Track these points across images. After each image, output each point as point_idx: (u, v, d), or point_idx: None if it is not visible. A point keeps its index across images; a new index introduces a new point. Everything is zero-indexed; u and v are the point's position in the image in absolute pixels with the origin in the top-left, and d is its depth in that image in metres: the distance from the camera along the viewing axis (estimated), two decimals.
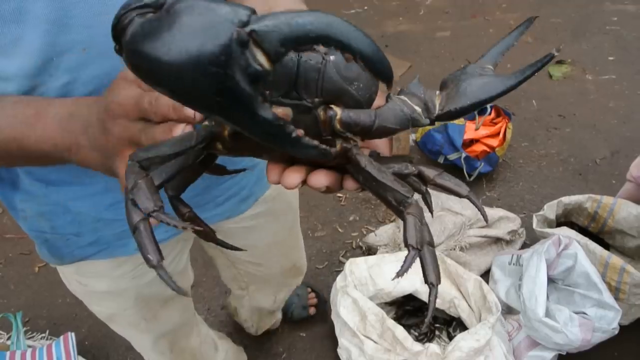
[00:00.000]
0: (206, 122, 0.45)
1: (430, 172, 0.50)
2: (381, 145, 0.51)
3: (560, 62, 3.12)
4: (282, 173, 0.47)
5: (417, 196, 0.49)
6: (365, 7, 3.78)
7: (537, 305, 1.53)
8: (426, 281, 0.47)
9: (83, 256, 0.89)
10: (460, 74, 0.49)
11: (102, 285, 0.95)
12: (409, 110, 0.46)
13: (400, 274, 0.46)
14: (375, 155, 0.50)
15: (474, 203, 0.51)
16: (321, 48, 0.42)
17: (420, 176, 0.50)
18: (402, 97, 0.47)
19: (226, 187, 0.93)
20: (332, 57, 0.42)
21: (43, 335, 1.89)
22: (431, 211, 0.56)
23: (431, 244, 0.47)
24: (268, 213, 1.10)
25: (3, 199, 0.85)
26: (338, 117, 0.43)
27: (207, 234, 0.56)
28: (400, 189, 0.45)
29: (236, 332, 1.89)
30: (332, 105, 0.44)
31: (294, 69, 0.41)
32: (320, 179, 0.46)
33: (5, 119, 0.58)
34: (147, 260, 0.42)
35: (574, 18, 3.53)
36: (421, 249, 0.46)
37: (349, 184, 0.48)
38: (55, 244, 0.87)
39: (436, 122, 0.48)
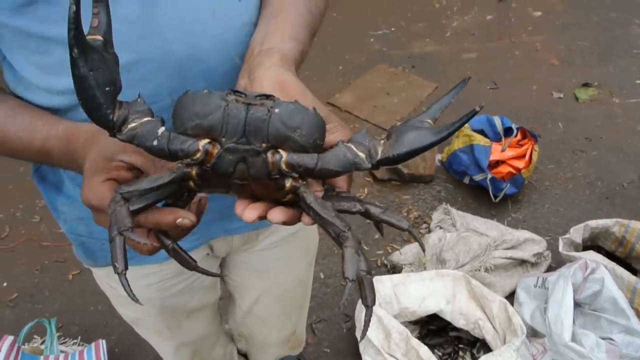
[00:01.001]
0: (179, 164, 0.53)
1: (375, 210, 0.56)
2: (339, 181, 0.57)
3: (586, 85, 3.12)
4: (246, 208, 0.54)
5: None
6: (393, 29, 3.83)
7: (563, 329, 1.54)
8: (364, 303, 0.54)
9: None
10: (402, 126, 0.56)
11: None
12: (351, 156, 0.54)
13: (362, 335, 0.57)
14: (331, 191, 0.57)
15: (414, 237, 0.57)
16: (268, 102, 0.51)
17: (367, 213, 0.56)
18: (349, 144, 0.54)
19: None
20: (276, 110, 0.50)
21: (75, 341, 1.94)
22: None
23: (369, 273, 0.54)
24: (282, 253, 1.12)
25: (47, 200, 0.91)
26: (283, 159, 0.51)
27: (188, 263, 0.61)
28: (338, 224, 0.52)
29: None
30: (279, 149, 0.52)
31: (242, 120, 0.50)
32: (278, 214, 0.53)
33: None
34: (114, 267, 0.54)
35: (601, 41, 3.53)
36: (357, 279, 0.52)
37: (306, 219, 0.54)
38: (91, 247, 0.92)
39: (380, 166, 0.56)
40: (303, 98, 0.57)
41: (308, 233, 1.17)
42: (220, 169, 0.52)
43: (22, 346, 1.76)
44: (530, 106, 2.99)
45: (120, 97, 0.65)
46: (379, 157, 0.54)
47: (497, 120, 2.44)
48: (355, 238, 0.53)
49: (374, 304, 0.54)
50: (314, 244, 1.24)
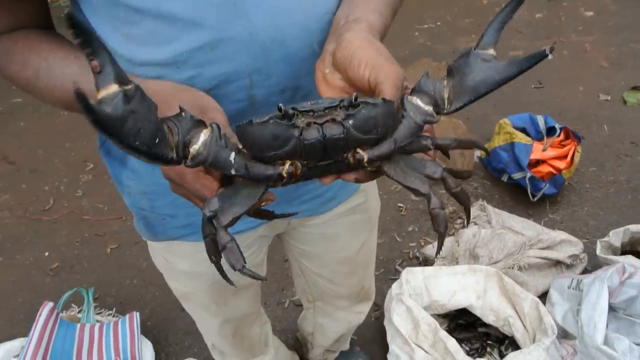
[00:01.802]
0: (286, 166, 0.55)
1: (451, 184, 0.60)
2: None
3: (635, 89, 3.03)
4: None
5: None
6: (438, 23, 3.80)
7: (595, 332, 1.51)
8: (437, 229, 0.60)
9: (174, 236, 0.96)
10: (464, 64, 0.56)
11: (185, 265, 1.02)
12: (421, 117, 0.56)
13: (437, 252, 0.64)
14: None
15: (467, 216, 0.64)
16: (338, 113, 0.52)
17: (444, 182, 0.60)
18: (414, 98, 0.57)
19: (313, 187, 0.97)
20: (350, 122, 0.52)
21: (110, 312, 2.01)
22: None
23: (442, 208, 0.59)
24: (347, 223, 1.13)
25: (112, 173, 0.93)
26: (365, 159, 0.54)
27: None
28: (421, 189, 0.57)
29: (290, 329, 1.95)
30: (359, 150, 0.54)
31: (321, 146, 0.52)
32: (353, 177, 0.58)
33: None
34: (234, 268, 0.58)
35: None
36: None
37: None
38: (152, 221, 0.94)
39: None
40: (392, 59, 0.60)
41: (370, 205, 1.17)
42: (305, 178, 0.56)
43: (61, 313, 1.83)
44: (575, 107, 2.93)
45: (203, 74, 0.68)
46: (447, 108, 0.56)
47: (540, 119, 2.39)
48: (438, 197, 0.57)
49: (445, 230, 0.60)
50: (376, 213, 1.24)
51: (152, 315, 2.05)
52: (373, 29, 0.65)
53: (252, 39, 0.67)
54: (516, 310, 1.69)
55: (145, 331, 1.93)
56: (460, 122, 2.60)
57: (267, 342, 1.52)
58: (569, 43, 3.52)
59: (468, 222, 0.68)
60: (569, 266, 1.98)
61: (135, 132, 0.46)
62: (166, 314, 2.05)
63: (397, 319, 1.67)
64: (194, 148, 0.52)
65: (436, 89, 0.56)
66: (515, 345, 1.71)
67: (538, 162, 2.30)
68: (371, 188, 1.16)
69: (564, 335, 1.75)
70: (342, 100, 0.52)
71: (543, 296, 1.89)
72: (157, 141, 0.48)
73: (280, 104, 0.51)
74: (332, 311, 1.48)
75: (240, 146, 0.56)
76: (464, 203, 0.64)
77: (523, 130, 2.39)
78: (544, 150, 2.30)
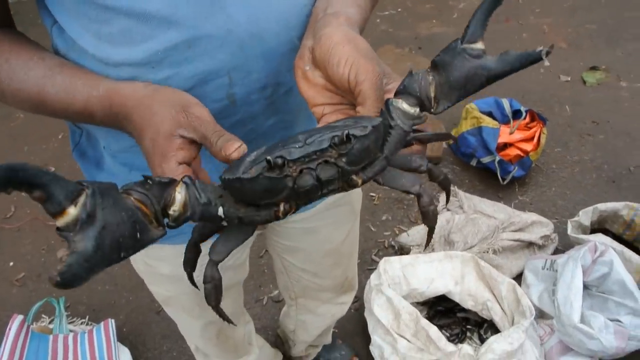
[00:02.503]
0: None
1: (438, 172, 0.63)
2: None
3: (594, 69, 3.10)
4: None
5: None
6: (399, 9, 3.79)
7: (572, 311, 1.54)
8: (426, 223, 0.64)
9: None
10: (450, 60, 0.53)
11: (166, 269, 1.00)
12: (409, 123, 0.55)
13: (426, 244, 0.69)
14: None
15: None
16: (332, 154, 0.49)
17: (430, 174, 0.63)
18: (400, 102, 0.55)
19: None
20: (344, 159, 0.50)
21: (83, 320, 1.95)
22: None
23: (433, 203, 0.62)
24: (330, 216, 1.12)
25: (87, 176, 0.90)
26: (360, 183, 0.53)
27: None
28: (411, 190, 0.58)
29: (270, 326, 1.94)
30: (353, 176, 0.53)
31: (316, 186, 0.50)
32: None
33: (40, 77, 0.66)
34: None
35: (609, 24, 3.50)
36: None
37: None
38: None
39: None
40: (371, 55, 0.58)
41: (353, 197, 1.16)
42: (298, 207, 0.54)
43: (32, 325, 1.77)
44: (538, 89, 2.98)
45: (180, 74, 0.65)
46: (434, 108, 0.55)
47: (506, 103, 2.42)
48: (428, 194, 0.58)
49: (435, 224, 0.62)
50: (359, 203, 1.23)
51: (127, 320, 2.00)
52: (352, 23, 0.63)
53: (231, 36, 0.65)
54: (494, 294, 1.72)
55: (122, 338, 1.89)
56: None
57: (250, 341, 1.50)
58: (527, 25, 3.57)
59: (447, 202, 0.72)
60: (541, 247, 2.03)
61: (117, 245, 0.43)
62: (142, 318, 2.00)
63: (378, 310, 1.67)
64: (173, 210, 0.49)
65: (422, 89, 0.54)
66: (494, 329, 1.74)
67: (506, 146, 2.33)
68: None
69: (540, 315, 1.79)
70: (332, 138, 0.49)
71: (517, 278, 1.93)
72: (139, 235, 0.45)
73: (269, 157, 0.47)
74: (314, 307, 1.47)
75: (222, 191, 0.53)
76: (447, 189, 0.66)
77: (489, 114, 2.42)
78: (511, 133, 2.33)
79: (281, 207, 0.51)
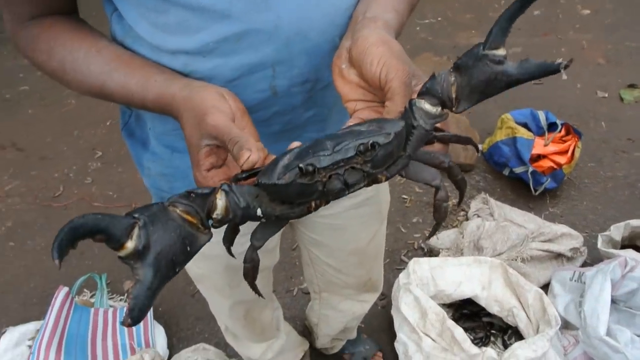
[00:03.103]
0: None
1: (456, 172, 0.65)
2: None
3: (632, 86, 3.09)
4: None
5: None
6: (439, 18, 3.84)
7: (598, 324, 1.57)
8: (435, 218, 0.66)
9: None
10: (472, 65, 0.56)
11: None
12: (430, 122, 0.58)
13: (429, 236, 0.74)
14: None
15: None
16: (358, 161, 0.54)
17: (450, 172, 0.64)
18: (422, 102, 0.58)
19: None
20: (369, 165, 0.55)
21: (122, 298, 2.04)
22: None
23: (446, 201, 0.65)
24: (357, 215, 1.16)
25: (133, 154, 0.96)
26: (383, 179, 0.58)
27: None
28: (432, 183, 0.62)
29: (298, 317, 2.01)
30: (377, 176, 0.57)
31: (344, 188, 0.55)
32: None
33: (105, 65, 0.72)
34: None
35: None
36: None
37: None
38: None
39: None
40: (402, 57, 0.62)
41: (381, 198, 1.19)
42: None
43: (75, 298, 1.87)
44: (574, 104, 2.99)
45: (227, 64, 0.70)
46: (455, 107, 0.58)
47: (542, 115, 2.45)
48: (445, 190, 0.62)
49: (443, 220, 0.65)
50: (387, 206, 1.26)
51: (163, 301, 2.09)
52: (389, 27, 0.67)
53: (277, 31, 0.69)
54: (520, 301, 1.75)
55: (157, 316, 1.98)
56: (462, 117, 2.65)
57: (278, 326, 1.56)
58: (566, 40, 3.57)
59: (460, 203, 0.76)
60: (569, 259, 2.05)
61: (172, 264, 0.50)
62: (177, 300, 2.09)
63: (405, 308, 1.72)
64: (216, 214, 0.55)
65: (444, 90, 0.57)
66: (518, 335, 1.77)
67: (539, 157, 2.36)
68: None
69: (565, 326, 1.81)
70: (358, 147, 0.53)
71: (544, 288, 1.96)
72: (188, 249, 0.52)
73: (302, 165, 0.52)
74: (337, 302, 1.52)
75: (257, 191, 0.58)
76: (462, 189, 0.68)
77: (525, 126, 2.45)
78: (545, 145, 2.36)
79: (313, 204, 0.57)
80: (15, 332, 1.86)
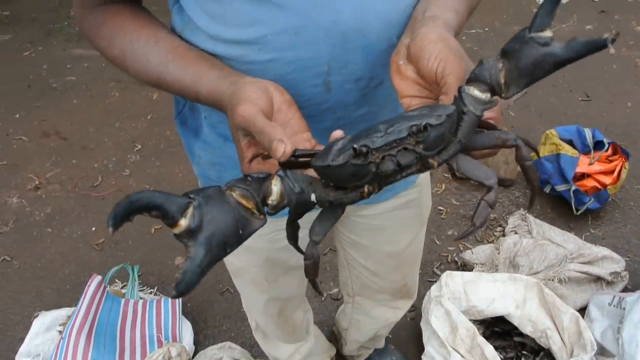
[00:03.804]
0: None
1: (525, 155, 0.61)
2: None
3: None
4: None
5: None
6: (486, 29, 3.77)
7: (637, 351, 1.50)
8: (473, 221, 0.61)
9: None
10: (518, 48, 0.55)
11: None
12: (480, 107, 0.57)
13: (461, 236, 0.64)
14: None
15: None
16: (411, 142, 0.54)
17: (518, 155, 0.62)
18: (471, 89, 0.57)
19: None
20: (421, 146, 0.54)
21: (152, 290, 2.07)
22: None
23: (492, 206, 0.61)
24: (397, 217, 1.15)
25: (185, 142, 0.98)
26: (435, 165, 0.57)
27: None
28: (483, 180, 0.60)
29: (326, 322, 1.99)
30: (429, 160, 0.57)
31: (397, 171, 0.55)
32: None
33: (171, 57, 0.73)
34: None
35: None
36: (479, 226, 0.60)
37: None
38: None
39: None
40: (460, 54, 0.62)
41: (423, 202, 1.18)
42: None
43: (107, 287, 1.90)
44: (623, 123, 2.89)
45: (283, 58, 0.71)
46: (505, 93, 0.57)
47: (588, 133, 2.37)
48: (496, 191, 0.59)
49: (481, 226, 0.60)
50: (428, 210, 1.25)
51: (192, 297, 2.11)
52: (448, 26, 0.67)
53: (335, 27, 0.69)
54: (555, 323, 1.70)
55: (185, 312, 1.99)
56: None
57: (308, 329, 1.55)
58: (618, 57, 3.46)
59: (531, 204, 0.69)
60: (609, 283, 1.97)
61: (223, 244, 0.51)
62: (206, 297, 2.10)
63: (435, 321, 1.69)
64: (272, 200, 0.55)
65: (492, 76, 0.57)
66: (550, 358, 1.71)
67: (583, 176, 2.28)
68: (425, 184, 1.17)
69: (601, 352, 1.74)
70: (410, 127, 0.53)
71: (581, 311, 1.89)
72: (241, 232, 0.53)
73: (356, 146, 0.53)
74: (370, 308, 1.50)
75: (312, 177, 0.59)
76: (532, 178, 0.64)
77: (570, 143, 2.38)
78: (590, 164, 2.28)
79: (365, 189, 0.57)
80: (48, 317, 1.90)
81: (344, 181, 0.56)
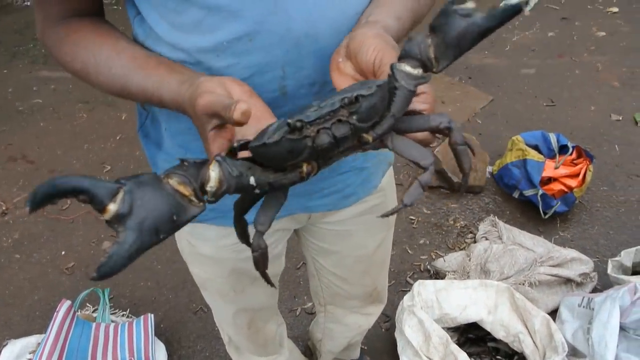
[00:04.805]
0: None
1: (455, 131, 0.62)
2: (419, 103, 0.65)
3: None
4: None
5: None
6: None
7: (606, 351, 1.53)
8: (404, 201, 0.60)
9: (201, 219, 0.99)
10: (444, 22, 0.57)
11: (207, 249, 1.06)
12: (413, 82, 0.58)
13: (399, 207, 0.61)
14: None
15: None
16: (344, 113, 0.55)
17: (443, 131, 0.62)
18: (403, 65, 0.59)
19: (333, 182, 1.00)
20: (355, 117, 0.55)
21: (124, 313, 2.04)
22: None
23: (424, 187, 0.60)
24: (365, 222, 1.16)
25: (148, 154, 0.99)
26: (370, 140, 0.58)
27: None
28: (419, 160, 0.60)
29: (301, 337, 1.98)
30: (363, 134, 0.58)
31: (333, 144, 0.56)
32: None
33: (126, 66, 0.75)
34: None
35: None
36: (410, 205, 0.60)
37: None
38: None
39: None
40: (396, 47, 0.65)
41: (388, 205, 1.19)
42: (320, 168, 0.61)
43: (77, 312, 1.86)
44: (587, 126, 2.95)
45: (240, 64, 0.73)
46: (436, 67, 0.59)
47: (553, 137, 2.42)
48: (432, 173, 0.60)
49: (410, 205, 0.60)
50: (393, 216, 1.27)
51: (165, 317, 2.08)
52: (388, 30, 0.71)
53: (288, 33, 0.72)
54: (527, 327, 1.72)
55: (158, 333, 1.96)
56: (472, 137, 2.63)
57: (281, 342, 1.54)
58: (581, 62, 3.55)
59: (462, 190, 0.69)
60: (579, 284, 2.01)
61: (155, 229, 0.50)
62: (179, 317, 2.08)
63: (409, 331, 1.69)
64: (210, 187, 0.55)
65: (422, 52, 0.58)
66: None
67: (550, 180, 2.33)
68: (389, 189, 1.18)
69: (573, 353, 1.77)
70: (342, 99, 0.54)
71: (552, 314, 1.91)
72: (175, 217, 0.52)
73: (289, 120, 0.53)
74: (342, 315, 1.50)
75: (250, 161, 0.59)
76: (463, 163, 0.63)
77: (535, 148, 2.42)
78: (556, 168, 2.33)
79: (304, 168, 0.58)
80: (17, 345, 1.86)
81: (281, 160, 0.56)
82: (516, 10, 0.54)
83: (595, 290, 2.03)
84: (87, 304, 2.01)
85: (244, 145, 0.59)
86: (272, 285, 0.73)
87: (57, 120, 3.27)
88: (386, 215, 0.61)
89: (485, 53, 3.63)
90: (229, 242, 1.04)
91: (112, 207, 0.48)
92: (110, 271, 0.48)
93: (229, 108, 0.56)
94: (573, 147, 2.37)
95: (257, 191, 0.58)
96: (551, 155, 2.39)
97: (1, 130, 3.23)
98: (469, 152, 0.63)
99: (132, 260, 0.49)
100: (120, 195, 0.48)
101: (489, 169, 2.60)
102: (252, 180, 0.57)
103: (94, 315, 1.95)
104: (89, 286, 1.98)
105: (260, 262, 0.64)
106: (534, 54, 3.65)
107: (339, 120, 0.55)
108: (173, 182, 0.53)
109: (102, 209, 0.48)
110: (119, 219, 0.48)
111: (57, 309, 1.76)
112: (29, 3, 5.03)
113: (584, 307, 1.78)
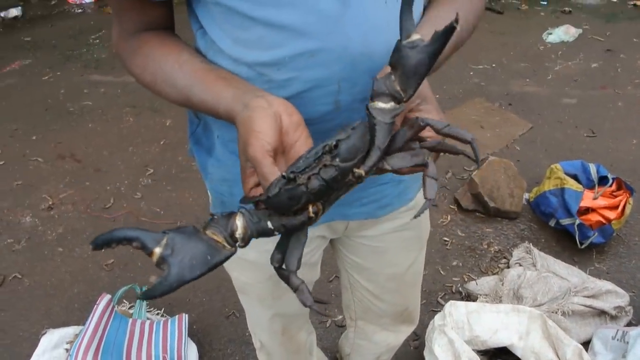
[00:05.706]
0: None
1: (438, 125, 0.69)
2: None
3: None
4: None
5: None
6: (493, 65, 3.85)
7: None
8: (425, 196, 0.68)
9: None
10: (399, 57, 0.65)
11: (251, 254, 1.08)
12: (389, 116, 0.67)
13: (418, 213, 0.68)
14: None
15: (475, 151, 0.69)
16: (327, 158, 0.63)
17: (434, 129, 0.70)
18: (376, 103, 0.67)
19: (372, 192, 1.04)
20: (337, 160, 0.63)
21: (158, 312, 2.09)
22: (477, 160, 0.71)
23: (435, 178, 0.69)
24: (397, 239, 1.19)
25: (198, 160, 1.04)
26: (363, 174, 0.67)
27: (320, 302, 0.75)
28: (417, 162, 0.68)
29: (330, 349, 2.00)
30: (355, 170, 0.66)
31: (324, 187, 0.63)
32: None
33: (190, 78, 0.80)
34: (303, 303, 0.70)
35: None
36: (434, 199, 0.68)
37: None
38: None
39: None
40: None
41: (422, 223, 1.22)
42: (330, 205, 0.69)
43: (116, 307, 1.93)
44: (628, 159, 2.92)
45: (299, 78, 0.79)
46: (405, 97, 0.67)
47: (593, 168, 2.41)
48: (433, 164, 0.69)
49: (433, 200, 0.68)
50: (426, 233, 1.29)
51: (198, 319, 2.13)
52: None
53: (346, 52, 0.77)
54: (558, 355, 1.70)
55: (191, 334, 2.00)
56: (511, 163, 2.63)
57: (311, 351, 1.56)
58: (624, 94, 3.52)
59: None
60: (613, 317, 1.98)
61: (191, 268, 0.59)
62: (212, 320, 2.12)
63: (438, 350, 1.70)
64: (238, 234, 0.64)
65: (389, 87, 0.67)
66: None
67: (587, 210, 2.31)
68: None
69: None
70: (324, 147, 0.63)
71: (584, 345, 1.89)
72: (209, 258, 0.61)
73: (284, 173, 0.62)
74: (372, 332, 1.51)
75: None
76: (427, 191, 0.69)
77: (574, 177, 2.41)
78: (594, 198, 2.31)
79: (310, 209, 0.65)
80: (56, 334, 1.93)
81: (286, 207, 0.64)
82: (451, 29, 0.60)
83: (630, 324, 2.00)
84: (124, 300, 2.07)
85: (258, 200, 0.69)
86: (323, 315, 0.80)
87: (105, 122, 3.41)
88: (417, 215, 0.68)
89: (526, 81, 3.63)
90: (270, 248, 1.08)
91: (158, 250, 0.58)
92: (153, 296, 0.58)
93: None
94: (613, 179, 2.35)
95: (275, 233, 0.67)
96: (590, 186, 2.38)
97: (52, 129, 3.38)
98: (433, 183, 0.69)
99: (172, 290, 0.58)
100: (164, 241, 0.58)
101: (526, 195, 2.60)
102: (269, 224, 0.66)
103: (131, 311, 2.01)
104: (127, 282, 2.05)
105: (305, 295, 0.70)
106: (576, 84, 3.64)
107: (325, 165, 0.63)
108: (209, 232, 0.62)
109: (150, 252, 0.58)
110: (163, 259, 0.58)
111: (97, 302, 1.82)
112: (82, 10, 5.25)
113: (618, 340, 1.76)
